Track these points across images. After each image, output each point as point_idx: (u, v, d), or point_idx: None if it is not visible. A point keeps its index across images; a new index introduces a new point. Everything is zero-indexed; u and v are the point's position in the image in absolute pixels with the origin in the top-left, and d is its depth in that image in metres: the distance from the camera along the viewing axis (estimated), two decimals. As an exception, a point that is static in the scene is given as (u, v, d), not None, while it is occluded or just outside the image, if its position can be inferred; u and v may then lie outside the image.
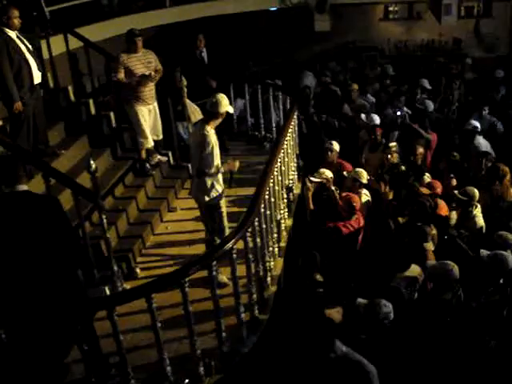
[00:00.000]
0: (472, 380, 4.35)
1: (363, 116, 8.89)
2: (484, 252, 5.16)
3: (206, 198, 5.60)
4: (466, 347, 4.47)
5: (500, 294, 4.86)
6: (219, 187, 5.68)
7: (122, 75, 6.88)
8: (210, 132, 5.44)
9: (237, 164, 5.97)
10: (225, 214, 5.80)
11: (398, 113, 9.13)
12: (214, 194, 5.62)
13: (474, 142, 8.31)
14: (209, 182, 5.56)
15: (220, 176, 5.70)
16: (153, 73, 6.93)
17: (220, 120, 5.58)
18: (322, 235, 6.22)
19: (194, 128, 5.95)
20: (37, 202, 4.13)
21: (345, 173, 7.36)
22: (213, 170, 5.52)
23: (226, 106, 5.53)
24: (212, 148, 5.45)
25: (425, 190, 6.58)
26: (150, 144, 7.30)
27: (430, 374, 4.34)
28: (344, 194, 6.52)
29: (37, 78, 6.40)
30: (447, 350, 4.43)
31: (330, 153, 7.64)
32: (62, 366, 4.29)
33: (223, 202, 5.81)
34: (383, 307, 4.43)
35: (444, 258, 5.31)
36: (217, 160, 5.58)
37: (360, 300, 4.59)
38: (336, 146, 7.72)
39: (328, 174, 6.88)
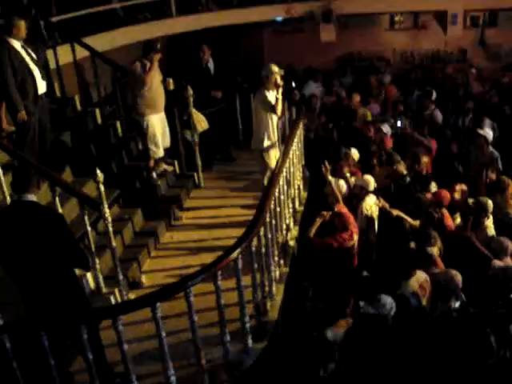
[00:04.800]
0: None
1: (386, 126, 8.83)
2: (496, 263, 5.09)
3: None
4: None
5: (508, 308, 4.74)
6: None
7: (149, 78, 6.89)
8: (268, 93, 6.73)
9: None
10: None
11: (399, 123, 9.17)
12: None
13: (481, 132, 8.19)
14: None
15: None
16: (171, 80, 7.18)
17: (274, 83, 6.66)
18: (313, 251, 6.15)
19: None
20: (41, 213, 4.10)
21: (352, 179, 7.30)
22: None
23: (276, 70, 6.69)
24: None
25: (429, 196, 6.61)
26: (161, 153, 7.32)
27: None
28: (337, 211, 6.29)
29: (41, 87, 6.39)
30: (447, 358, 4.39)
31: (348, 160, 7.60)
32: (66, 374, 4.28)
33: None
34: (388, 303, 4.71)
35: (456, 260, 5.27)
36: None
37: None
38: (355, 153, 7.69)
39: (342, 186, 6.92)
